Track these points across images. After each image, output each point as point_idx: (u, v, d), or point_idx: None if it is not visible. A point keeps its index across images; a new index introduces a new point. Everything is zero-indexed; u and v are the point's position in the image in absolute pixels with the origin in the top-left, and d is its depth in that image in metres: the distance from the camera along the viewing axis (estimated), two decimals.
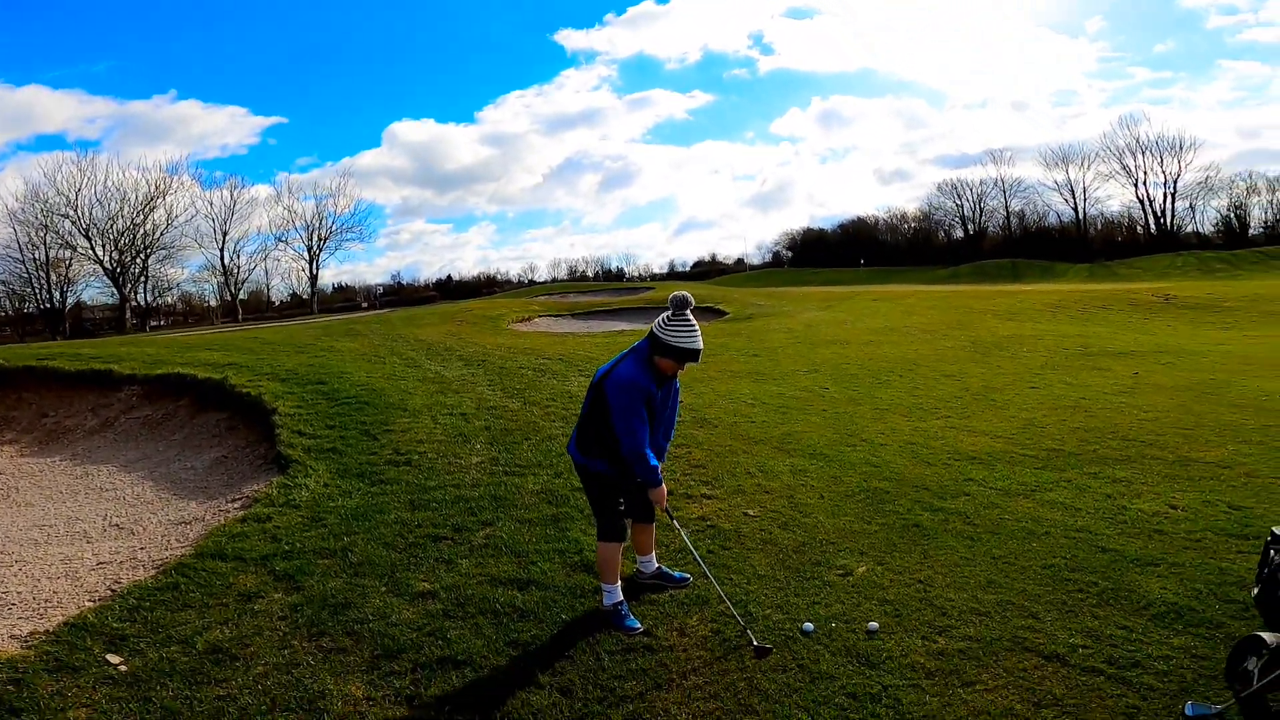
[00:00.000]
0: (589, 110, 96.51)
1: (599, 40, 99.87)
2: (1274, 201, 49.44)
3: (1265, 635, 2.83)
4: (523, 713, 2.88)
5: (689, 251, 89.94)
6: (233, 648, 3.33)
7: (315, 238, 56.85)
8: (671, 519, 3.62)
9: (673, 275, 66.13)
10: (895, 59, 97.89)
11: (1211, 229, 51.49)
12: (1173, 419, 6.96)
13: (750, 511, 4.88)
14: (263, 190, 70.78)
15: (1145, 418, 7.09)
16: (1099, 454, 5.95)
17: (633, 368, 3.29)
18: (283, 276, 61.15)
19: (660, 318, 3.31)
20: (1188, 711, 2.79)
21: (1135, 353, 11.27)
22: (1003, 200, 59.91)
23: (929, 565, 4.00)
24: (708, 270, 71.85)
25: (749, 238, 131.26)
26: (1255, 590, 3.50)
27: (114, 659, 3.26)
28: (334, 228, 57.20)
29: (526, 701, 2.94)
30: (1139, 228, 54.35)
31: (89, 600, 3.89)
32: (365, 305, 55.02)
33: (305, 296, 57.99)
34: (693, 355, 3.24)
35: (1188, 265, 39.38)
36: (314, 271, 57.54)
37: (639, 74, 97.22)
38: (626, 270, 73.14)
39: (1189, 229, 52.39)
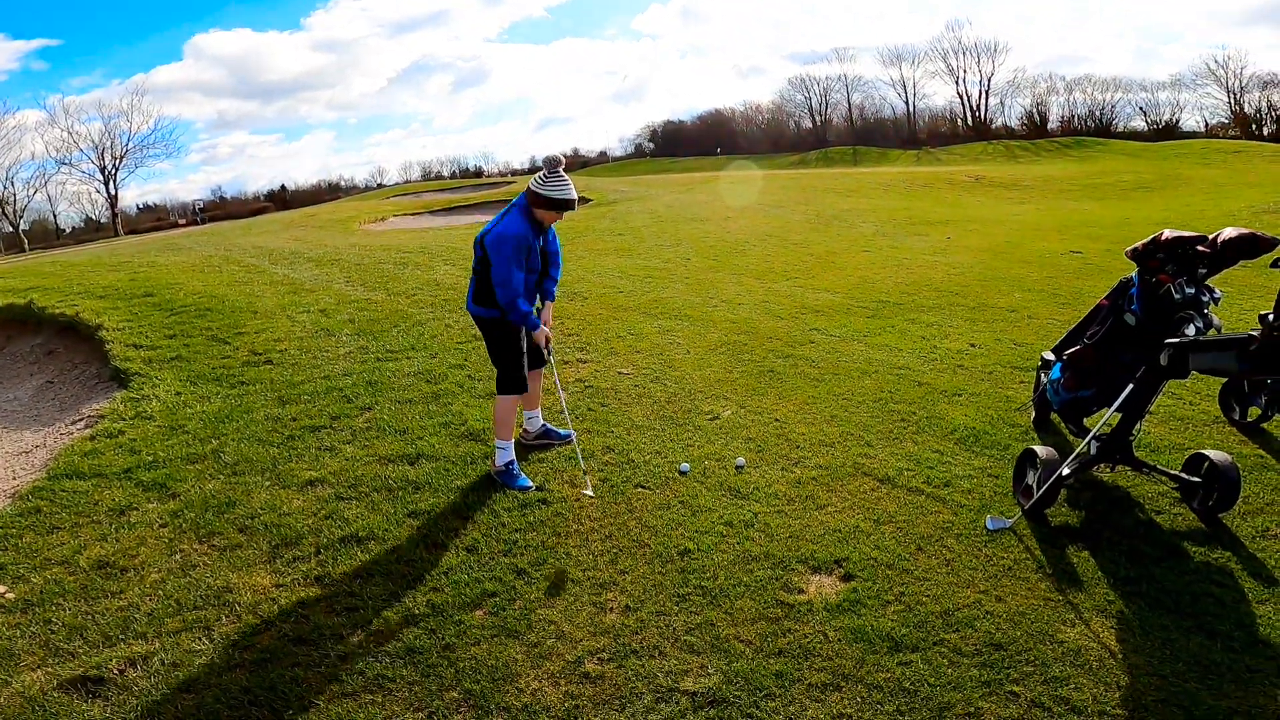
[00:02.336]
0: (437, 11, 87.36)
1: None
2: (1070, 100, 56.37)
3: (1037, 449, 3.18)
4: (434, 573, 3.00)
5: (551, 146, 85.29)
6: (120, 560, 3.21)
7: (109, 158, 49.19)
8: (549, 357, 3.82)
9: (535, 170, 63.41)
10: None
11: (1017, 122, 57.64)
12: (975, 273, 8.09)
13: (624, 370, 5.23)
14: (32, 115, 59.26)
15: (953, 272, 8.18)
16: (916, 303, 6.87)
17: (514, 222, 3.50)
18: (70, 201, 52.86)
19: (535, 176, 3.53)
20: (988, 526, 3.07)
21: (949, 221, 12.70)
22: (846, 95, 63.59)
23: (784, 405, 4.54)
24: (570, 164, 69.54)
25: (611, 131, 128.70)
26: (1032, 415, 4.08)
27: None
28: (130, 147, 49.70)
29: (435, 563, 3.06)
30: (958, 120, 59.75)
31: None
32: (183, 222, 48.04)
33: (104, 221, 50.45)
34: (569, 205, 3.52)
35: (997, 152, 43.86)
36: (111, 193, 49.96)
37: None
38: (485, 168, 69.39)
39: (999, 122, 58.25)
